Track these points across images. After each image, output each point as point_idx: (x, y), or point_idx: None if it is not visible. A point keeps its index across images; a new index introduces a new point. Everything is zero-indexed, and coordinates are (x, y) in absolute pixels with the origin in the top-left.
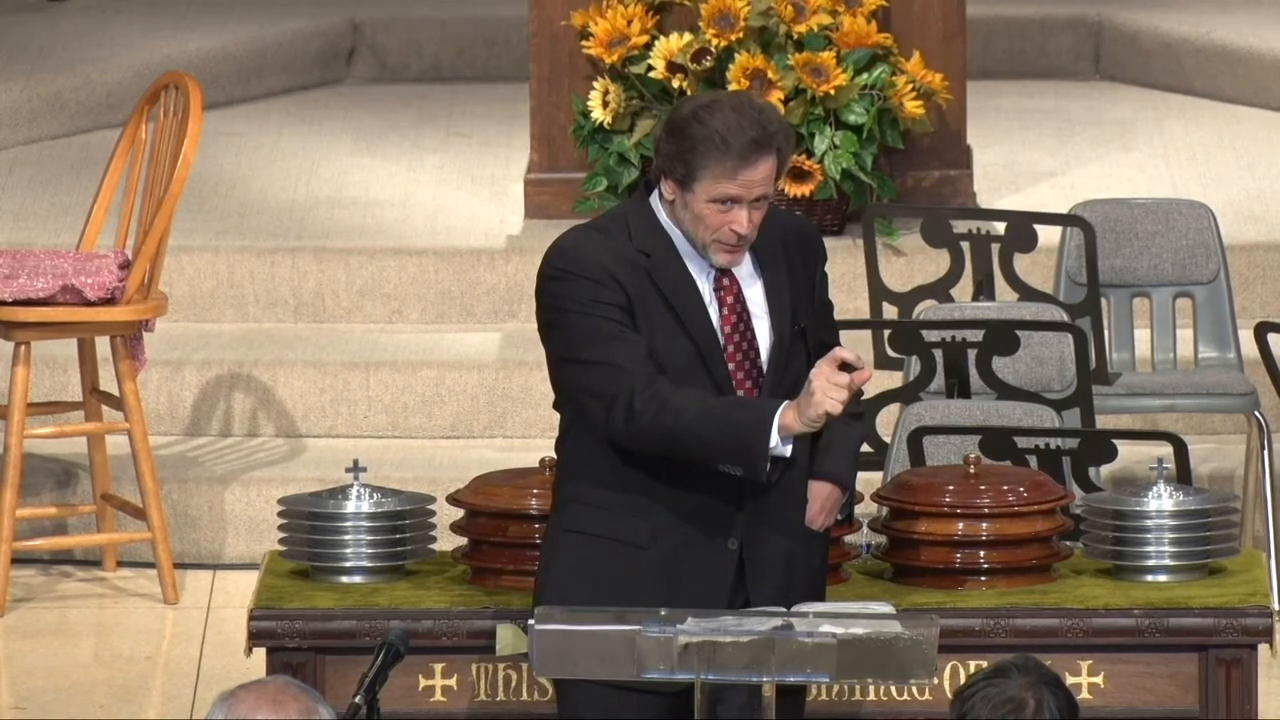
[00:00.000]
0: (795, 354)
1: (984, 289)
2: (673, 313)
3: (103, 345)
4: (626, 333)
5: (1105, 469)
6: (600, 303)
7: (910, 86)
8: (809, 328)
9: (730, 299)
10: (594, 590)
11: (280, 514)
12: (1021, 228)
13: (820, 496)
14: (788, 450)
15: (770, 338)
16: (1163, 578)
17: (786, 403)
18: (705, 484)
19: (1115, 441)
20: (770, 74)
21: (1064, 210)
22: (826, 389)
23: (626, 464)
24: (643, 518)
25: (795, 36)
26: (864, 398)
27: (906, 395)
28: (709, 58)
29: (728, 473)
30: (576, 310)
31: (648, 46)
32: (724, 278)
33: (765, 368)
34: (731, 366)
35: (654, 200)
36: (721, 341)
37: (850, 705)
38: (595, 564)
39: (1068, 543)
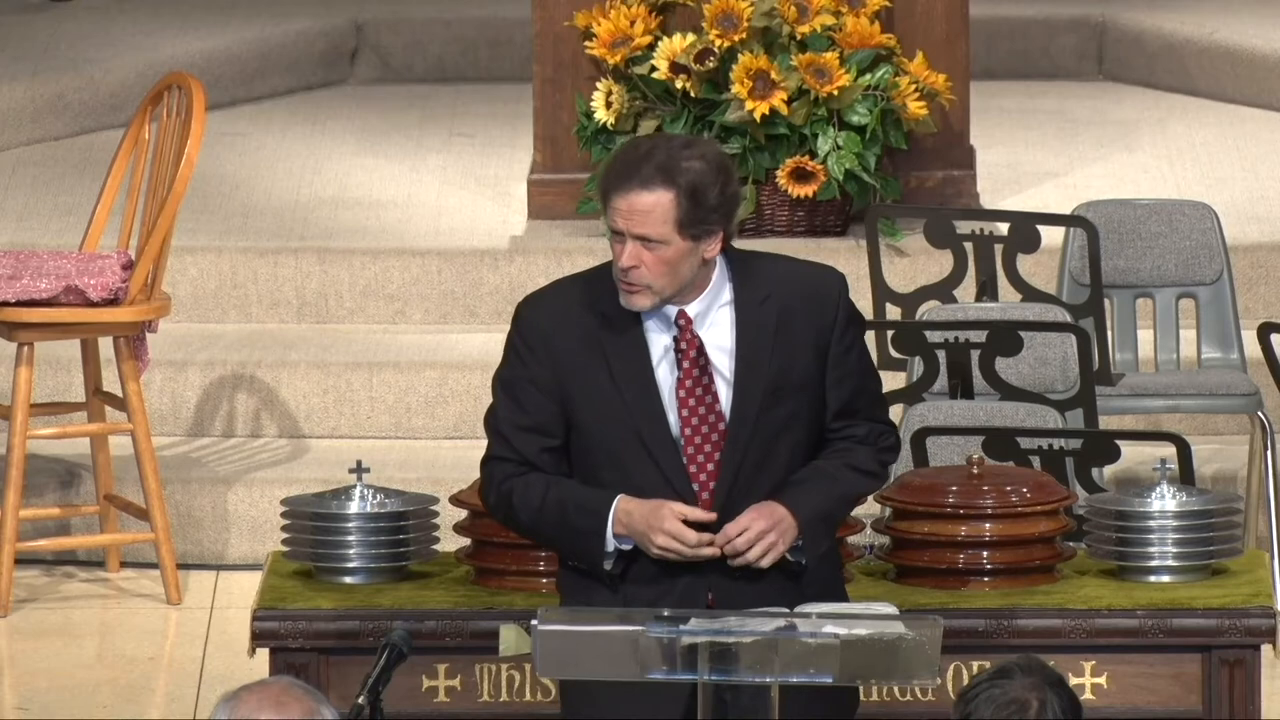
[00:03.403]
0: (777, 423)
1: (987, 290)
2: (610, 374)
3: (106, 346)
4: (527, 416)
5: (1108, 470)
6: (522, 379)
7: (913, 87)
8: (828, 391)
9: (691, 354)
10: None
11: (283, 514)
12: (1025, 228)
13: (761, 515)
14: (629, 545)
15: (730, 401)
16: (1166, 578)
17: (620, 502)
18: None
19: (1118, 442)
20: (773, 75)
21: (1067, 211)
22: (675, 533)
23: None
24: (609, 589)
25: (798, 37)
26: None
27: (910, 396)
28: (712, 58)
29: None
30: (508, 369)
31: (651, 47)
32: (687, 332)
33: (726, 432)
34: (689, 432)
35: None
36: (673, 402)
37: None
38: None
39: (1071, 543)
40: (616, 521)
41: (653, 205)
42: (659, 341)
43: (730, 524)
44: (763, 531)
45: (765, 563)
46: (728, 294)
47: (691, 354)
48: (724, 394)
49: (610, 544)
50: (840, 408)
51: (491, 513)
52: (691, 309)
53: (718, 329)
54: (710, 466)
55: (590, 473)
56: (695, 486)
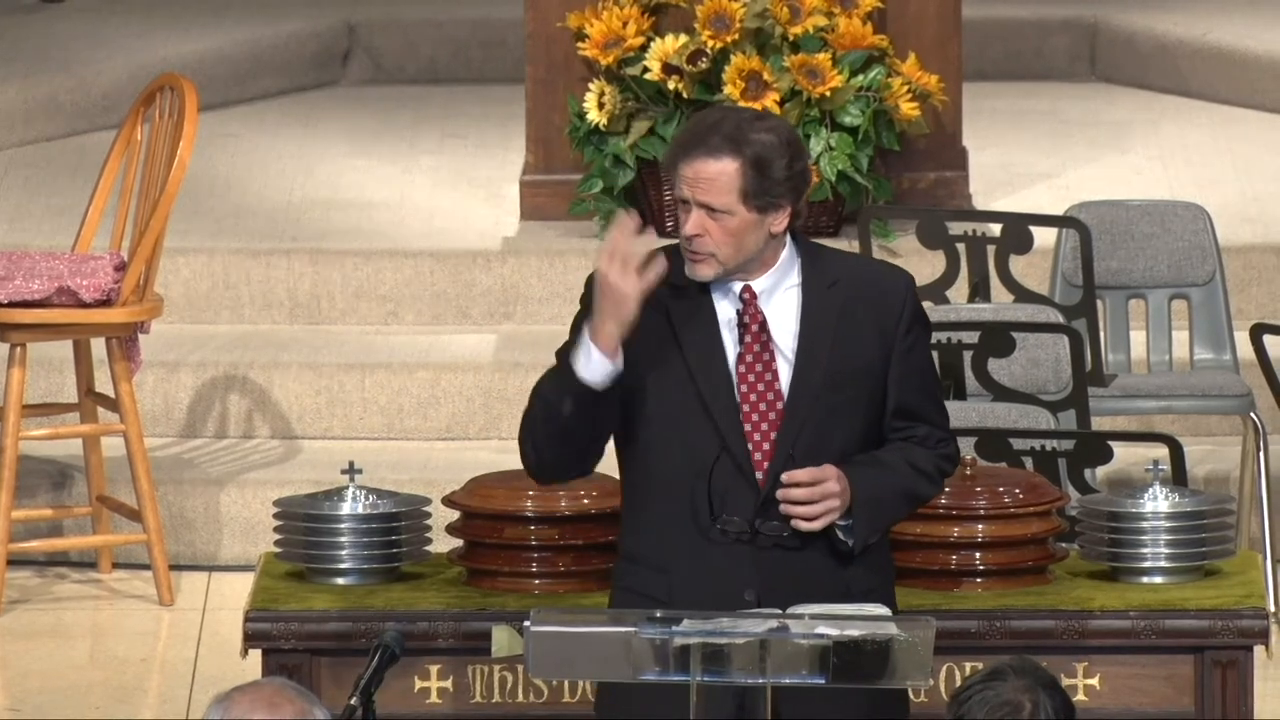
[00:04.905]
0: (834, 409)
1: (979, 291)
2: (675, 338)
3: (98, 347)
4: None
5: (1101, 471)
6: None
7: (906, 88)
8: (889, 388)
9: (754, 329)
10: None
11: (276, 515)
12: (1017, 229)
13: (833, 477)
14: (618, 363)
15: (790, 381)
16: (1158, 579)
17: (586, 324)
18: (720, 543)
19: (1111, 443)
20: (766, 76)
21: (1060, 212)
22: (610, 243)
23: (644, 514)
24: (661, 573)
25: (791, 38)
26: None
27: None
28: (704, 59)
29: (732, 524)
30: (570, 335)
31: (643, 48)
32: (750, 306)
33: (784, 412)
34: (746, 408)
35: None
36: (734, 376)
37: None
38: None
39: (1063, 544)
40: (590, 333)
41: (718, 174)
42: (724, 315)
43: (808, 470)
44: (832, 492)
45: (815, 524)
46: (796, 276)
47: (754, 328)
48: (784, 373)
49: (592, 350)
50: (899, 406)
51: (524, 458)
52: (757, 285)
53: (783, 308)
54: (766, 446)
55: (647, 438)
56: (757, 456)
